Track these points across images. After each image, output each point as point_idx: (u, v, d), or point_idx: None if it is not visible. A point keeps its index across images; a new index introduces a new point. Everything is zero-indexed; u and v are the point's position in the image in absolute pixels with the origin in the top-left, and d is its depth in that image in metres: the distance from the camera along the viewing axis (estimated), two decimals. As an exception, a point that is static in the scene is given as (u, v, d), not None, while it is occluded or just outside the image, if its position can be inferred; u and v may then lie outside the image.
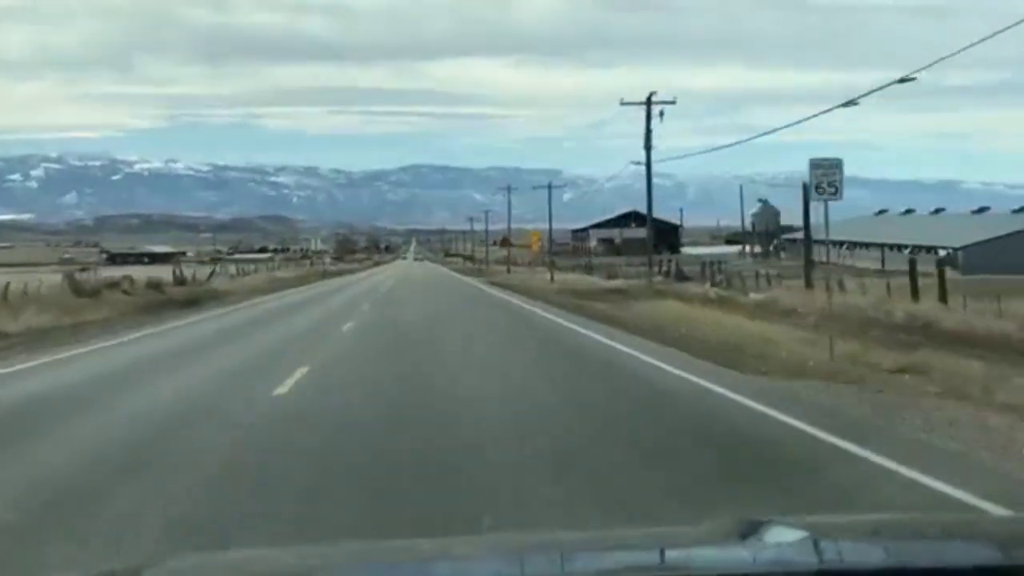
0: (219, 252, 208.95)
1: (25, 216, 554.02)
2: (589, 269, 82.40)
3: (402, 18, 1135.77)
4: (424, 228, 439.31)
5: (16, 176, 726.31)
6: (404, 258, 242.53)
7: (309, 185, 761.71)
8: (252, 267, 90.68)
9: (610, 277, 63.19)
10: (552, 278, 63.80)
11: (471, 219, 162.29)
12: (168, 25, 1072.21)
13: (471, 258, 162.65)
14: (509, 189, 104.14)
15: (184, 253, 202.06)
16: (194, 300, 41.74)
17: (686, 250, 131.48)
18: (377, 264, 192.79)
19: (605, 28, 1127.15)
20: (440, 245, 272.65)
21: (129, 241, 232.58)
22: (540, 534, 5.20)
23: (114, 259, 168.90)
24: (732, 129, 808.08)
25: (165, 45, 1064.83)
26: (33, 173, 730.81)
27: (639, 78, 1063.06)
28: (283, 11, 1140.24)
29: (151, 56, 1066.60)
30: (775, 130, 46.88)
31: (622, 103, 48.35)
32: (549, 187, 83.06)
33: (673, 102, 47.70)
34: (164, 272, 62.59)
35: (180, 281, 50.29)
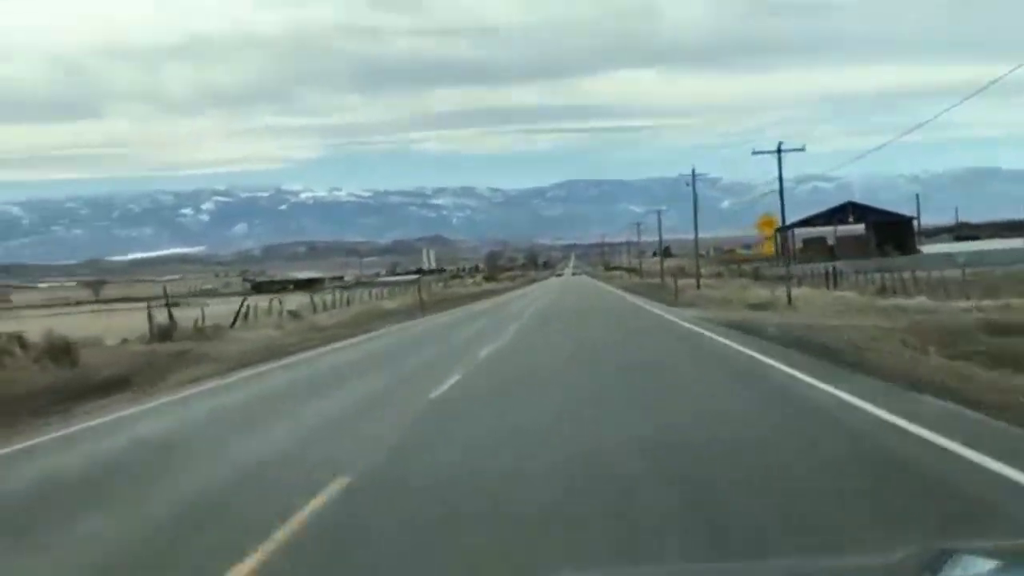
0: (363, 276, 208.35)
1: (197, 249, 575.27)
2: (832, 279, 56.31)
3: (551, 36, 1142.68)
4: (582, 243, 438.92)
5: (188, 210, 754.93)
6: (559, 274, 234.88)
7: (467, 205, 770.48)
8: (362, 293, 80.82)
9: (881, 292, 45.42)
10: (789, 298, 41.30)
11: (638, 225, 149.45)
12: (325, 57, 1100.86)
13: (635, 270, 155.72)
14: (696, 188, 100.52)
15: (342, 277, 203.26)
16: (98, 387, 21.14)
17: (928, 248, 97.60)
18: (533, 281, 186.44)
19: (756, 33, 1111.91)
20: (599, 258, 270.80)
21: (294, 269, 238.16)
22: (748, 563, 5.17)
23: (259, 287, 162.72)
24: (894, 128, 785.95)
25: (323, 76, 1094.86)
26: (203, 207, 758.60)
27: (793, 82, 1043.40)
28: (434, 36, 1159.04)
29: (310, 88, 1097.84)
30: (921, 125, 45.01)
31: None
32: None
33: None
34: (295, 300, 60.10)
35: (164, 334, 33.17)
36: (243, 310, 44.12)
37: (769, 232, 52.55)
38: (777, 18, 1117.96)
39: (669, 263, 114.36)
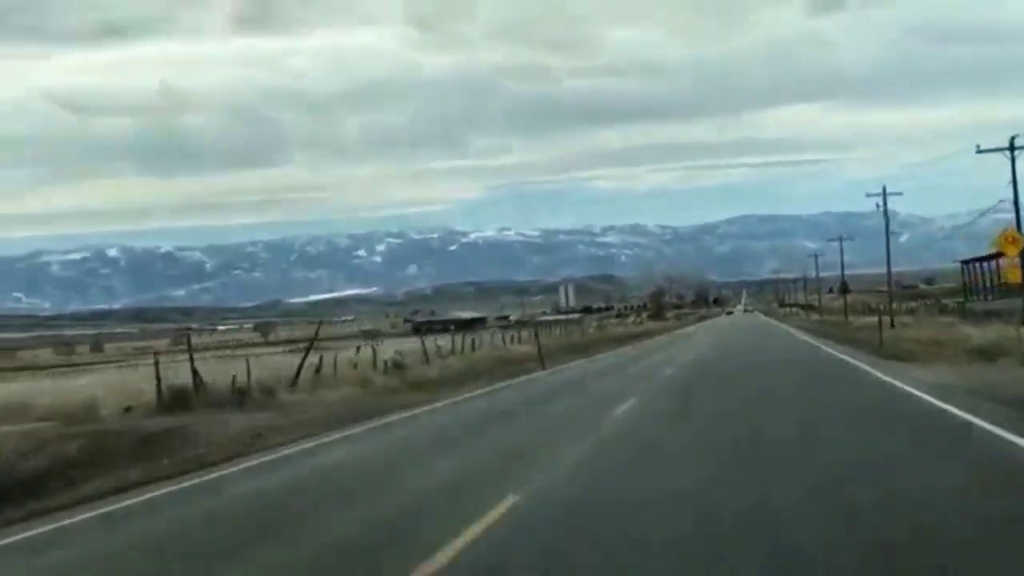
0: (526, 316, 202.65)
1: (371, 290, 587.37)
2: None
3: (717, 71, 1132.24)
4: (754, 279, 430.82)
5: (362, 252, 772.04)
6: (730, 312, 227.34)
7: (636, 243, 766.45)
8: (503, 336, 72.08)
9: None
10: None
11: (815, 257, 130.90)
12: (493, 98, 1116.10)
13: (813, 307, 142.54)
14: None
15: (507, 316, 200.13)
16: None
17: None
18: (702, 319, 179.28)
19: (929, 63, 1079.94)
20: (773, 295, 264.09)
21: (461, 308, 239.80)
22: None
23: (418, 328, 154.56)
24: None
25: (491, 118, 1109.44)
26: (377, 248, 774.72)
27: (970, 113, 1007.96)
28: (599, 75, 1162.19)
29: (479, 129, 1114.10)
30: None
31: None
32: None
33: None
34: (473, 338, 58.11)
35: (178, 399, 25.96)
36: (307, 363, 33.56)
37: (1015, 252, 36.39)
38: (955, 46, 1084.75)
39: (851, 299, 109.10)
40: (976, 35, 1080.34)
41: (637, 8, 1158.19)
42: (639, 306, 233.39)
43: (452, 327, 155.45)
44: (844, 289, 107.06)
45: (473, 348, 55.75)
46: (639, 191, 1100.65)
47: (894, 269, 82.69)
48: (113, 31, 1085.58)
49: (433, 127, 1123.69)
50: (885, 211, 58.56)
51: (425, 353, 44.64)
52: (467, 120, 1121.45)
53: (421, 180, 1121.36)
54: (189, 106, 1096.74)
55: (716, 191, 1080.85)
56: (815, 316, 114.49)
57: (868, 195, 49.67)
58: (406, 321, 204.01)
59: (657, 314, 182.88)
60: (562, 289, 77.26)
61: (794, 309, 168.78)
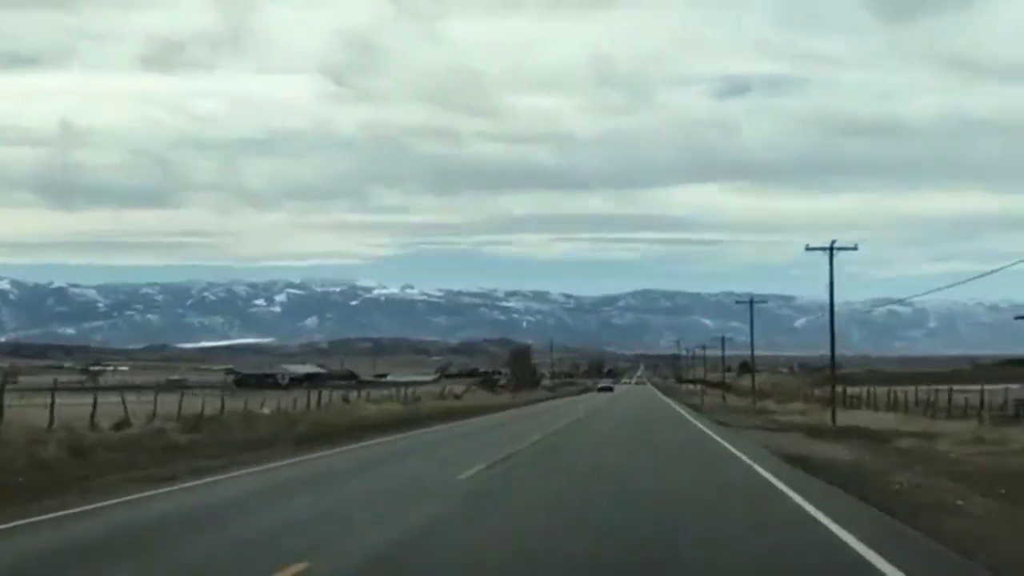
0: (377, 375, 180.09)
1: (267, 340, 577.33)
2: None
3: (624, 145, 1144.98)
4: (651, 353, 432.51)
5: (260, 301, 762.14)
6: (605, 388, 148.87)
7: (539, 310, 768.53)
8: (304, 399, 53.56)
9: None
10: None
11: (722, 339, 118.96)
12: (403, 156, 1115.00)
13: (722, 386, 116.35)
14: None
15: (353, 373, 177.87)
16: None
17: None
18: (583, 391, 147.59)
19: (831, 153, 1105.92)
20: (671, 371, 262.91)
21: (359, 364, 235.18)
22: None
23: (244, 382, 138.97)
24: (973, 255, 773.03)
25: (400, 176, 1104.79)
26: (277, 298, 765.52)
27: (867, 202, 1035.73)
28: (508, 142, 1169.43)
29: (388, 187, 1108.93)
30: (1012, 264, 39.55)
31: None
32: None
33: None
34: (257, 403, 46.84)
35: None
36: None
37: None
38: (856, 139, 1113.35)
39: (760, 380, 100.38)
40: (874, 129, 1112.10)
41: (548, 78, 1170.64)
42: (492, 372, 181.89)
43: (284, 383, 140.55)
44: (743, 368, 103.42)
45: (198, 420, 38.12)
46: (543, 259, 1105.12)
47: (789, 354, 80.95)
48: (18, 61, 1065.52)
49: (342, 181, 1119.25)
50: (832, 322, 50.13)
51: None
52: (376, 176, 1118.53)
53: (326, 233, 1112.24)
54: (92, 142, 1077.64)
55: (619, 264, 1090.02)
56: (724, 399, 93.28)
57: (809, 248, 44.42)
58: (228, 372, 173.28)
59: (518, 383, 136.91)
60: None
61: (696, 387, 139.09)
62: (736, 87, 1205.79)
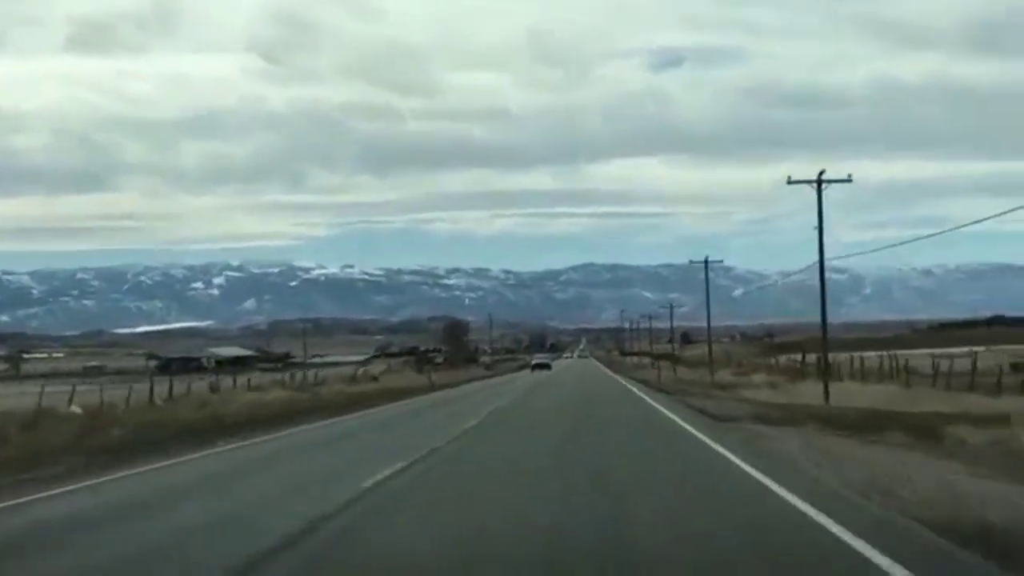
0: (309, 357, 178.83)
1: (206, 323, 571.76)
2: None
3: (562, 120, 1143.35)
4: (593, 327, 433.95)
5: (198, 284, 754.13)
6: (540, 365, 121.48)
7: (480, 287, 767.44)
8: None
9: None
10: None
11: (670, 307, 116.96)
12: (338, 135, 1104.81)
13: (671, 357, 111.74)
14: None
15: (288, 355, 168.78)
16: None
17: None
18: (521, 369, 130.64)
19: (767, 124, 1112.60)
20: (614, 344, 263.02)
21: (298, 345, 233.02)
22: None
23: (168, 366, 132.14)
24: (908, 221, 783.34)
25: (336, 155, 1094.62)
26: (215, 281, 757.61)
27: (805, 171, 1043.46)
28: (445, 118, 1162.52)
29: (323, 166, 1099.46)
30: (977, 221, 40.05)
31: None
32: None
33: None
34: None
35: None
36: None
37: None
38: (791, 110, 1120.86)
39: (697, 352, 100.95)
40: (810, 99, 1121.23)
41: (482, 55, 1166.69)
42: (432, 350, 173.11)
43: (211, 366, 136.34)
44: (683, 339, 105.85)
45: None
46: (484, 235, 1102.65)
47: (732, 323, 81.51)
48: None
49: (277, 161, 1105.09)
50: (821, 265, 49.78)
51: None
52: (311, 155, 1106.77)
53: (263, 214, 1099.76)
54: (21, 126, 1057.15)
55: (559, 239, 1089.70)
56: (673, 372, 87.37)
57: (791, 181, 43.71)
58: (150, 358, 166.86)
59: (454, 361, 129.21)
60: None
61: (639, 360, 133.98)
62: (672, 59, 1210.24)
